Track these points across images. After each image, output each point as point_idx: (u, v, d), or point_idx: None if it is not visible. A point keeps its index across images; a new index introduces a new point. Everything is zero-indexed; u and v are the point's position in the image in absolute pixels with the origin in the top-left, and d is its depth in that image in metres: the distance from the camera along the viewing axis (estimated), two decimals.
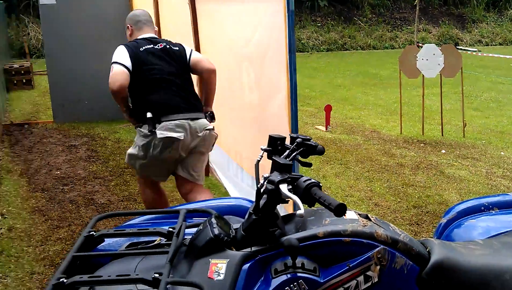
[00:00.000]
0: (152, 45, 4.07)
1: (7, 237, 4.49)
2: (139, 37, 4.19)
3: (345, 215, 1.94)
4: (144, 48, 4.04)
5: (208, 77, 4.26)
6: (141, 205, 5.26)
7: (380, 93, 12.00)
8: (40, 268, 3.98)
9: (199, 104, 4.21)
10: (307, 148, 2.10)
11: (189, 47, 4.31)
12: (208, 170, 6.06)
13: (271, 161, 1.99)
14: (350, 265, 1.83)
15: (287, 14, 3.52)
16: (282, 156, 2.04)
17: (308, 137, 2.13)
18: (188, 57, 4.16)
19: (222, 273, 1.75)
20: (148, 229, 2.10)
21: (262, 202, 1.84)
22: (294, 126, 3.72)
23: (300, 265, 1.80)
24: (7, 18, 18.18)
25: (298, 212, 1.72)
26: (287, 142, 2.15)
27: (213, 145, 4.31)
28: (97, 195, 5.49)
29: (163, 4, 6.89)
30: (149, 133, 3.88)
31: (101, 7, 8.50)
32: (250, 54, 4.39)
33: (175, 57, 4.10)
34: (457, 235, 2.46)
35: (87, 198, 5.40)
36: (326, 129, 8.48)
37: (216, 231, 1.85)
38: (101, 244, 2.08)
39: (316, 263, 1.83)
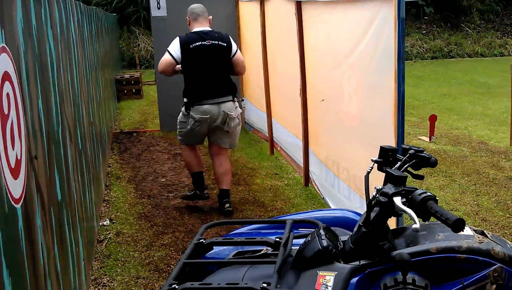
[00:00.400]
0: (201, 42, 5.10)
1: (115, 242, 4.70)
2: (193, 30, 5.24)
3: (462, 231, 1.86)
4: (194, 45, 5.07)
5: (238, 75, 6.01)
6: (242, 213, 5.34)
7: (488, 102, 11.47)
8: (145, 273, 4.13)
9: (231, 90, 5.29)
10: (420, 160, 2.04)
11: (235, 45, 5.38)
12: (307, 180, 6.06)
13: (382, 172, 1.96)
14: (464, 283, 1.75)
15: (397, 22, 3.47)
16: (393, 168, 2.00)
17: (421, 148, 2.07)
18: (233, 54, 5.27)
19: (330, 286, 1.73)
20: (255, 238, 2.12)
21: (373, 214, 1.80)
22: (400, 137, 3.65)
23: (411, 281, 1.75)
24: (119, 30, 19.14)
25: (414, 226, 1.67)
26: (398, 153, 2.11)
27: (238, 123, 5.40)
28: (200, 203, 5.61)
29: (269, 14, 6.99)
30: (186, 113, 5.18)
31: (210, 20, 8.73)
32: (354, 63, 4.36)
33: (220, 52, 5.16)
34: None
35: (191, 206, 5.55)
36: (430, 139, 8.22)
37: (325, 242, 1.83)
38: (210, 252, 2.13)
39: (428, 280, 1.77)
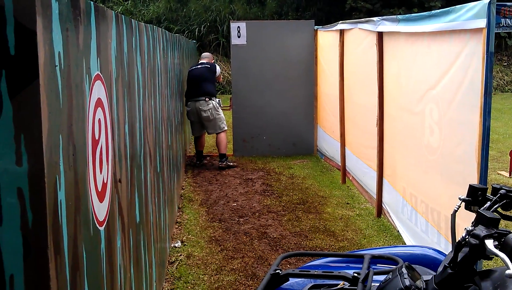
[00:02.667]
0: (196, 66, 8.52)
1: (186, 264, 4.78)
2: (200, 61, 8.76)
3: None
4: (191, 68, 8.57)
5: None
6: (312, 241, 5.32)
7: None
8: None
9: (206, 93, 8.22)
10: (511, 201, 1.98)
11: (219, 69, 8.77)
12: (380, 211, 5.97)
13: (471, 212, 1.91)
14: None
15: (485, 55, 3.42)
16: (482, 208, 1.95)
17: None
18: (216, 71, 8.54)
19: None
20: (333, 272, 2.10)
21: (461, 255, 1.76)
22: (483, 173, 3.56)
23: None
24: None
25: (508, 272, 1.61)
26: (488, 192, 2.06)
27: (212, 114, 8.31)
28: (270, 229, 5.64)
29: (348, 44, 7.01)
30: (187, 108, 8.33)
31: (288, 48, 8.88)
32: (438, 95, 4.29)
33: (206, 69, 8.35)
34: None
35: (261, 231, 5.58)
36: (510, 175, 7.94)
37: (407, 282, 1.77)
38: (285, 284, 2.13)
39: None
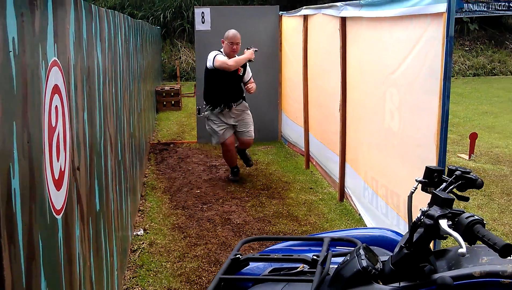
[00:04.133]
0: None
1: (148, 252, 4.76)
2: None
3: (510, 256, 1.84)
4: None
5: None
6: (275, 227, 5.35)
7: None
8: (176, 284, 4.17)
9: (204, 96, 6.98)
10: (466, 182, 2.01)
11: (213, 54, 6.76)
12: (342, 195, 6.04)
13: (428, 193, 1.94)
14: None
15: (445, 40, 3.46)
16: (438, 189, 1.99)
17: (468, 169, 2.05)
18: (207, 63, 6.74)
19: None
20: (292, 255, 2.12)
21: (416, 236, 1.79)
22: (442, 156, 3.62)
23: None
24: (163, 43, 19.46)
25: (460, 250, 1.65)
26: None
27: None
28: (234, 215, 5.66)
29: (312, 29, 7.03)
30: None
31: (252, 34, 8.81)
32: (397, 80, 4.34)
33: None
34: None
35: (224, 218, 5.59)
36: (469, 157, 8.11)
37: (364, 263, 1.82)
38: (245, 268, 2.15)
39: None
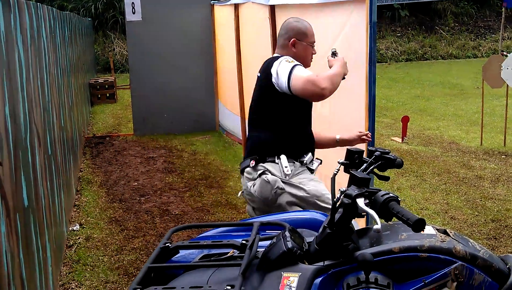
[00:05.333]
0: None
1: (84, 247, 4.69)
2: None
3: (423, 231, 1.91)
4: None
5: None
6: (214, 216, 5.36)
7: (460, 103, 11.64)
8: (114, 277, 4.12)
9: (256, 145, 3.45)
10: (386, 162, 2.07)
11: (286, 62, 3.23)
12: None
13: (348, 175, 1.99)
14: (426, 281, 1.78)
15: (369, 25, 3.52)
16: (359, 170, 2.03)
17: (387, 150, 2.10)
18: (276, 79, 3.27)
19: (294, 287, 1.74)
20: (222, 241, 2.13)
21: (337, 216, 1.83)
22: (371, 140, 3.69)
23: (373, 280, 1.78)
24: (95, 35, 19.06)
25: (375, 227, 1.70)
26: (365, 155, 2.14)
27: None
28: (172, 206, 5.63)
29: (243, 18, 7.02)
30: None
31: (184, 23, 8.77)
32: (325, 66, 4.38)
33: (260, 78, 3.43)
34: None
35: (162, 209, 5.55)
36: (402, 140, 8.32)
37: (290, 244, 1.84)
38: (176, 256, 2.14)
39: (390, 279, 1.79)
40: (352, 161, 2.09)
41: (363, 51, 3.63)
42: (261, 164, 3.17)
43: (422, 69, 18.53)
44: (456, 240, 1.88)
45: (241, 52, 7.28)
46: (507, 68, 7.53)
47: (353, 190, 1.80)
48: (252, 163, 3.19)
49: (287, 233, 1.91)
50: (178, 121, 9.03)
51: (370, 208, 1.76)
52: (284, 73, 3.07)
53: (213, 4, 8.71)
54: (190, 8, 8.79)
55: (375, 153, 2.07)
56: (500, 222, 5.08)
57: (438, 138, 8.57)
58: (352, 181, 1.86)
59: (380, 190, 1.81)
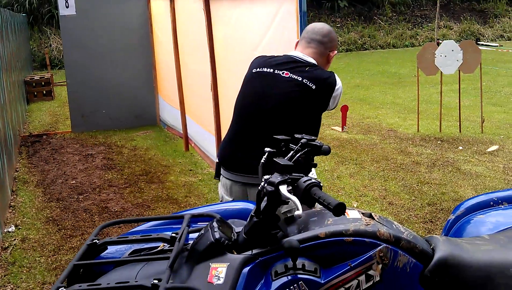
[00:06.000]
0: (281, 70, 3.06)
1: (20, 248, 4.55)
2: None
3: (347, 214, 1.91)
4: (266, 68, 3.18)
5: None
6: (155, 211, 5.29)
7: (398, 91, 11.89)
8: (51, 278, 4.02)
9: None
10: (312, 149, 2.07)
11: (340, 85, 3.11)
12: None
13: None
14: (352, 265, 1.80)
15: (299, 15, 3.52)
16: (286, 158, 2.03)
17: (312, 137, 2.10)
18: (332, 101, 3.12)
19: (222, 277, 1.73)
20: (151, 235, 2.10)
21: (263, 204, 1.83)
22: None
23: (300, 267, 1.78)
24: (30, 31, 18.52)
25: (296, 213, 1.71)
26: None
27: None
28: (111, 203, 5.53)
29: (179, 11, 6.95)
30: None
31: (121, 17, 8.60)
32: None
33: (299, 89, 2.99)
34: (465, 231, 2.41)
35: (101, 207, 5.45)
36: (342, 129, 8.43)
37: (217, 235, 1.83)
38: (105, 252, 2.09)
39: (317, 264, 1.81)
40: (278, 149, 2.09)
41: (294, 41, 3.64)
42: None
43: (362, 59, 18.84)
44: (381, 223, 1.91)
45: (179, 45, 7.21)
46: (441, 56, 7.73)
47: (276, 178, 1.80)
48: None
49: (214, 224, 1.89)
50: (117, 116, 8.87)
51: (293, 194, 1.77)
52: (339, 94, 3.03)
53: None
54: (126, 1, 8.63)
55: (301, 141, 2.07)
56: (436, 206, 5.21)
57: (377, 126, 8.73)
58: (275, 168, 1.86)
59: (302, 176, 1.81)
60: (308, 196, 1.76)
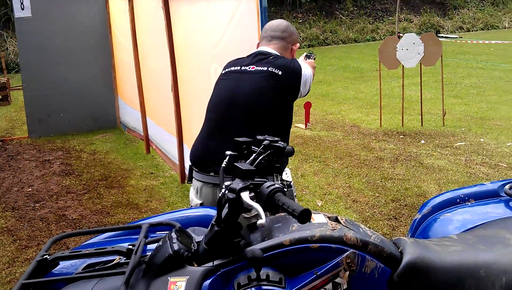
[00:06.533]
0: (247, 64, 3.10)
1: None
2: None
3: (312, 219, 1.82)
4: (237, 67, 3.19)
5: None
6: (114, 217, 5.14)
7: (361, 86, 11.91)
8: None
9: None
10: (275, 151, 1.98)
11: (308, 67, 3.16)
12: (184, 177, 5.94)
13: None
14: (318, 273, 1.71)
15: (260, 11, 3.44)
16: (248, 161, 1.93)
17: (275, 138, 2.01)
18: (301, 87, 3.12)
19: None
20: (106, 248, 1.97)
21: (224, 212, 1.72)
22: None
23: (264, 277, 1.68)
24: None
25: (259, 222, 1.60)
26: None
27: None
28: (69, 211, 5.36)
29: (138, 10, 6.78)
30: None
31: (78, 18, 8.36)
32: (219, 54, 4.30)
33: (265, 78, 3.02)
34: (432, 230, 2.36)
35: (59, 215, 5.27)
36: (306, 126, 8.38)
37: (176, 246, 1.72)
38: (57, 268, 1.96)
39: (282, 274, 1.71)
40: (240, 152, 1.99)
41: (255, 39, 3.55)
42: None
43: (324, 54, 18.84)
44: (347, 227, 1.82)
45: (138, 45, 7.05)
46: (402, 49, 7.73)
47: (237, 184, 1.70)
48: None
49: (173, 235, 1.78)
50: (76, 120, 8.64)
51: (256, 201, 1.67)
52: (309, 78, 3.06)
53: None
54: (83, 2, 8.40)
55: (264, 143, 1.98)
56: (399, 202, 5.18)
57: (340, 122, 8.71)
58: (237, 174, 1.76)
59: (266, 181, 1.71)
60: (272, 202, 1.66)
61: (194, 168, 3.03)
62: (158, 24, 5.82)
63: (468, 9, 25.58)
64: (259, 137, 2.03)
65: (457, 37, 20.36)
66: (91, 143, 7.98)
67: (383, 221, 4.78)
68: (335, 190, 5.58)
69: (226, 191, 1.73)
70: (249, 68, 2.98)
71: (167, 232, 1.95)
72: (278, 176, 2.75)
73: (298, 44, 3.23)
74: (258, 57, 3.01)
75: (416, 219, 2.44)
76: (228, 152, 2.02)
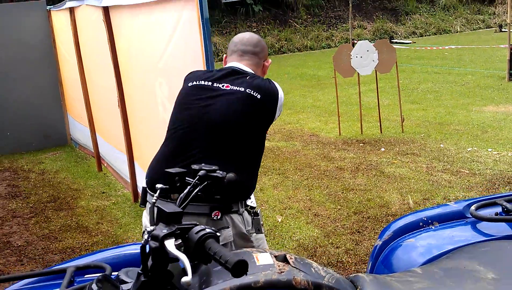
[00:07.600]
0: (220, 83, 2.78)
1: None
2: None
3: (257, 260, 1.55)
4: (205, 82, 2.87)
5: None
6: (62, 242, 4.82)
7: (318, 94, 11.77)
8: None
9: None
10: (213, 181, 1.72)
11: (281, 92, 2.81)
12: (136, 196, 5.65)
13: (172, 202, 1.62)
14: None
15: (201, 22, 3.25)
16: (181, 195, 1.68)
17: (213, 167, 1.75)
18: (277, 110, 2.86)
19: None
20: None
21: (150, 262, 1.46)
22: None
23: None
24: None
25: (184, 279, 1.33)
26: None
27: None
28: (15, 237, 5.02)
29: (80, 23, 6.48)
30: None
31: (20, 32, 7.97)
32: (164, 68, 4.08)
33: (244, 100, 2.71)
34: (395, 258, 2.15)
35: (3, 242, 4.93)
36: None
37: None
38: None
39: None
40: (172, 184, 1.73)
41: (199, 50, 3.34)
42: (225, 215, 2.49)
43: (280, 62, 18.70)
44: (297, 268, 1.57)
45: (82, 59, 6.74)
46: (356, 57, 7.60)
47: (161, 230, 1.44)
48: (217, 214, 2.43)
49: (94, 286, 1.52)
50: (24, 138, 8.24)
51: (184, 249, 1.42)
52: (282, 100, 2.76)
53: (50, 10, 8.01)
54: (25, 16, 8.02)
55: (199, 173, 1.72)
56: (362, 214, 5.00)
57: (299, 131, 8.53)
58: (160, 217, 1.50)
59: (196, 225, 1.46)
60: (202, 251, 1.40)
61: (149, 192, 2.66)
62: (101, 38, 5.54)
63: (420, 15, 25.87)
64: (194, 166, 1.77)
65: (410, 43, 20.52)
66: (40, 162, 7.60)
67: (346, 235, 4.59)
68: (296, 204, 5.38)
69: (149, 239, 1.47)
70: (222, 86, 2.64)
71: (97, 275, 1.68)
72: (243, 202, 2.55)
73: (270, 60, 2.93)
74: (234, 76, 2.68)
75: (376, 245, 2.23)
76: (158, 186, 1.75)
